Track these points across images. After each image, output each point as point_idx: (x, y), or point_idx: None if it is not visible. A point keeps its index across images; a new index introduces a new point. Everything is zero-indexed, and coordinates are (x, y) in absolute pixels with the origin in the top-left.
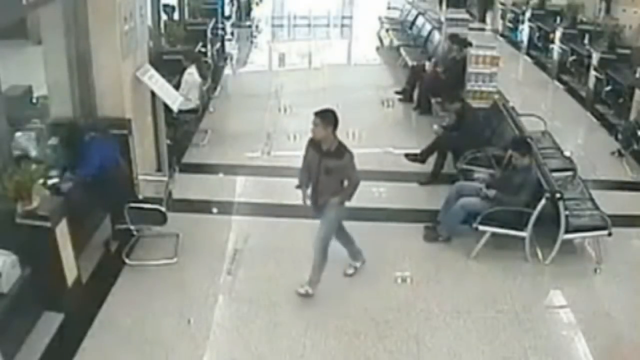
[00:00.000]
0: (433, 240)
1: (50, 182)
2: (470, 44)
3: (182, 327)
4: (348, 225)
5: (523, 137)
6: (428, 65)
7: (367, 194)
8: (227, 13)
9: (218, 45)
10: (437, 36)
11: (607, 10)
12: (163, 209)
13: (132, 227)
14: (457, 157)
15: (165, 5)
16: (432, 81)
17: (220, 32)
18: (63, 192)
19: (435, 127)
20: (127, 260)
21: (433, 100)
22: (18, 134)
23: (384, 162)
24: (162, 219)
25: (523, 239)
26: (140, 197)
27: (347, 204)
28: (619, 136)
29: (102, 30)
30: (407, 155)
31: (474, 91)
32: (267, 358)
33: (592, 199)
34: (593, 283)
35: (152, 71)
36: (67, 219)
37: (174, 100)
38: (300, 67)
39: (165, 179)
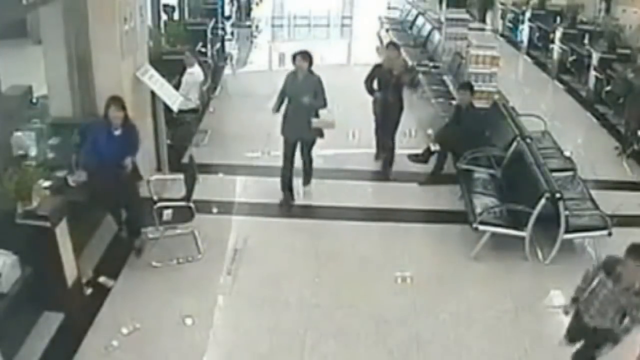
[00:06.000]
0: None
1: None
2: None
3: (182, 327)
4: (350, 224)
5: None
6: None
7: (367, 194)
8: (227, 13)
9: (218, 45)
10: (437, 36)
11: (607, 10)
12: (192, 205)
13: (160, 228)
14: (457, 157)
15: (165, 5)
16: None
17: (220, 32)
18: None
19: (429, 131)
20: (154, 263)
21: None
22: (18, 133)
23: None
24: (190, 216)
25: (523, 238)
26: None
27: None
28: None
29: (102, 30)
30: (409, 156)
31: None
32: (267, 358)
33: (592, 199)
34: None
35: (152, 71)
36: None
37: (174, 100)
38: None
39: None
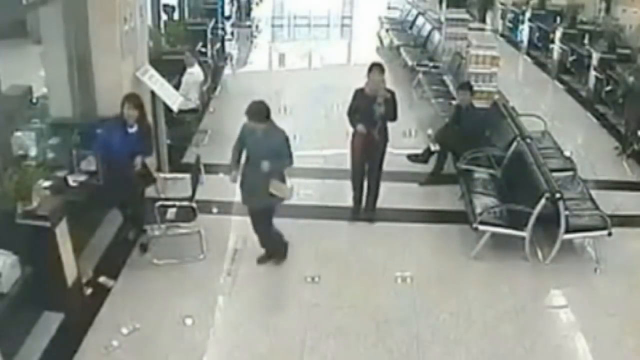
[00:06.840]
0: None
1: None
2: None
3: (182, 327)
4: (350, 224)
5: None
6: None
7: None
8: (227, 13)
9: (218, 45)
10: (437, 36)
11: (607, 10)
12: (194, 205)
13: (162, 226)
14: (458, 157)
15: (165, 5)
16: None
17: (220, 32)
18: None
19: (430, 131)
20: (155, 260)
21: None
22: (18, 133)
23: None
24: (193, 215)
25: (523, 238)
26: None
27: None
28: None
29: (102, 30)
30: (409, 156)
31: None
32: (267, 358)
33: (592, 199)
34: (593, 283)
35: (152, 71)
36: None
37: (174, 100)
38: (300, 67)
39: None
